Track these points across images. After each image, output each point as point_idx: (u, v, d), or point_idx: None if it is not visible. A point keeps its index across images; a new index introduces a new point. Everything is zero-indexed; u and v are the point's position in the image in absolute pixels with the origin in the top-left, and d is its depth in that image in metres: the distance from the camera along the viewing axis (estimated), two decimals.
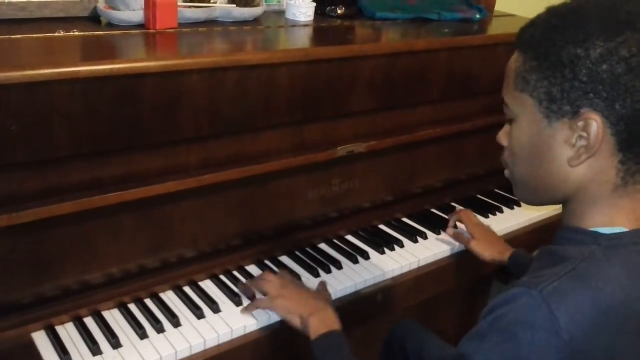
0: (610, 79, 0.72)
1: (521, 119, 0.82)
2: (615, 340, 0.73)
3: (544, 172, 0.81)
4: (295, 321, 1.13)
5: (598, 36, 0.73)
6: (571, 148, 0.77)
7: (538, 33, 0.79)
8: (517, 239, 1.61)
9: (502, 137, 0.89)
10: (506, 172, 0.90)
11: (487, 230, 1.54)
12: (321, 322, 1.09)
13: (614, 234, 0.77)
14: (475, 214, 1.60)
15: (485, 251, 1.46)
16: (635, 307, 0.74)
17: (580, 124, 0.75)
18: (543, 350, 0.70)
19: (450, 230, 1.54)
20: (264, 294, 1.21)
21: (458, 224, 1.58)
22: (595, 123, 0.74)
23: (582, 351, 0.70)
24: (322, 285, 1.27)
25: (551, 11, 0.79)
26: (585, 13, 0.76)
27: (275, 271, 1.34)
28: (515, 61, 0.82)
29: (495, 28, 1.89)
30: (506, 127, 0.88)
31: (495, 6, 2.07)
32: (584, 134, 0.75)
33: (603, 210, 0.79)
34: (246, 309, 1.20)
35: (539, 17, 0.81)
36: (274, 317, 1.21)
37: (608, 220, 0.79)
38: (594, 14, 0.75)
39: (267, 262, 1.38)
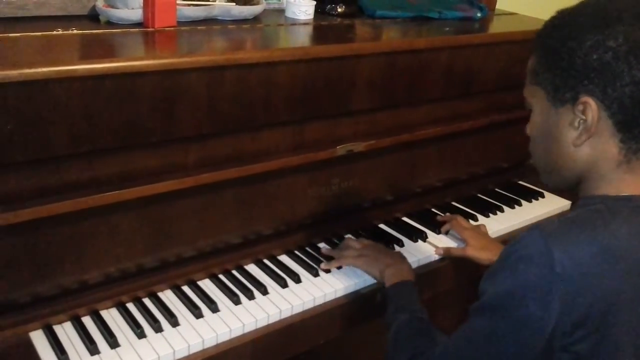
0: (601, 66, 0.83)
1: (535, 108, 0.94)
2: (614, 288, 0.79)
3: (555, 153, 0.91)
4: (375, 273, 1.31)
5: (589, 30, 0.83)
6: (575, 130, 0.87)
7: (544, 32, 0.91)
8: None
9: (527, 128, 0.98)
10: (532, 160, 0.99)
11: (479, 233, 1.54)
12: (396, 274, 1.27)
13: (621, 196, 0.86)
14: (466, 218, 1.59)
15: (482, 255, 1.46)
16: (633, 260, 0.80)
17: (580, 108, 0.86)
18: (539, 282, 0.80)
19: (440, 250, 1.51)
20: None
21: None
22: (590, 107, 0.84)
23: (579, 287, 0.78)
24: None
25: (557, 13, 0.91)
26: (581, 12, 0.87)
27: (273, 270, 1.35)
28: (530, 60, 0.94)
29: (497, 27, 1.89)
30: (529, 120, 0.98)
31: (497, 5, 2.06)
32: (583, 117, 0.86)
33: (611, 183, 0.88)
34: (328, 264, 1.35)
35: (547, 21, 0.92)
36: (272, 317, 1.21)
37: (615, 190, 0.87)
38: (587, 12, 0.86)
39: (266, 261, 1.38)
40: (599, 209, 0.85)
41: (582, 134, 0.87)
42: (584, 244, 0.80)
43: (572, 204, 0.95)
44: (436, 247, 1.50)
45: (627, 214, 0.84)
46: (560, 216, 0.90)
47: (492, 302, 0.87)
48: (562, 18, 0.89)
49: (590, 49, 0.83)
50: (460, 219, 1.57)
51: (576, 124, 0.87)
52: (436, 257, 1.49)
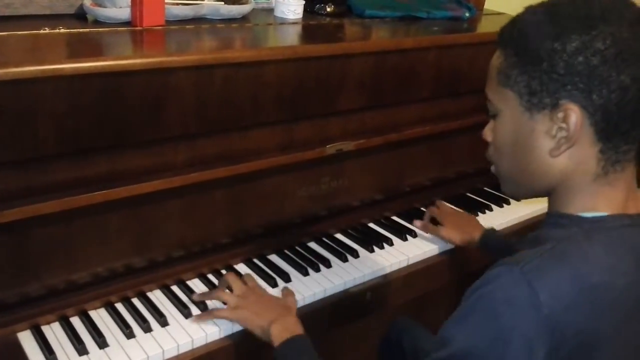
0: (586, 70, 0.75)
1: (504, 113, 0.84)
2: (598, 322, 0.74)
3: (527, 164, 0.83)
4: (257, 331, 1.12)
5: (573, 30, 0.75)
6: (552, 139, 0.79)
7: (517, 30, 0.81)
8: (507, 237, 1.61)
9: (487, 133, 0.90)
10: (492, 168, 0.92)
11: (457, 214, 1.56)
12: (284, 329, 1.08)
13: (596, 217, 0.79)
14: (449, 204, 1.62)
15: (455, 235, 1.49)
16: (615, 290, 0.75)
17: (560, 115, 0.78)
18: (525, 326, 0.71)
19: (418, 222, 1.55)
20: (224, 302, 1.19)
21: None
22: (574, 114, 0.76)
23: (564, 327, 0.71)
24: (287, 290, 1.25)
25: (529, 9, 0.82)
26: (561, 9, 0.78)
27: (264, 270, 1.34)
28: (497, 58, 0.85)
29: (485, 26, 1.89)
30: (490, 124, 0.90)
31: (485, 5, 2.07)
32: (564, 125, 0.78)
33: (585, 197, 0.81)
34: (199, 318, 1.16)
35: (518, 15, 0.83)
36: None
37: (590, 206, 0.80)
38: (570, 10, 0.78)
39: (256, 260, 1.38)
40: (575, 237, 0.77)
41: (561, 143, 0.78)
42: (566, 281, 0.72)
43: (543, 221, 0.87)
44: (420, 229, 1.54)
45: (605, 239, 0.77)
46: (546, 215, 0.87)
47: (466, 351, 0.75)
48: (540, 15, 0.80)
49: (576, 50, 0.75)
50: (441, 203, 1.59)
51: (554, 132, 0.78)
52: (425, 256, 1.50)
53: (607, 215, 0.79)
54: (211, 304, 1.21)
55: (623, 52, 0.74)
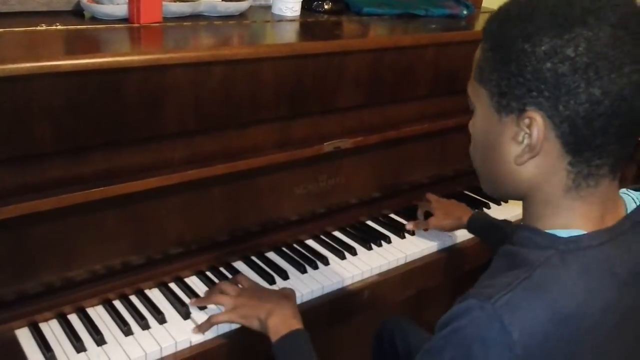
0: (553, 78, 0.68)
1: (478, 110, 0.80)
2: (577, 349, 0.71)
3: (496, 167, 0.79)
4: (255, 326, 1.10)
5: (547, 32, 0.69)
6: (518, 145, 0.74)
7: (496, 23, 0.75)
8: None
9: (469, 127, 0.85)
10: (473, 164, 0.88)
11: (445, 202, 1.56)
12: (281, 323, 1.06)
13: (572, 237, 0.74)
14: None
15: (444, 222, 1.50)
16: (594, 315, 0.71)
17: (526, 121, 0.72)
18: None
19: (409, 225, 1.55)
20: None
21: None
22: (536, 123, 0.71)
23: None
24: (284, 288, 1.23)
25: (513, 1, 0.75)
26: (540, 6, 0.71)
27: (262, 267, 1.34)
28: (478, 50, 0.79)
29: (483, 24, 1.89)
30: (472, 118, 0.85)
31: (483, 2, 2.07)
32: (528, 132, 0.72)
33: (559, 212, 0.76)
34: (201, 327, 1.14)
35: (501, 6, 0.77)
36: None
37: (564, 223, 0.76)
38: (548, 8, 0.70)
39: (253, 258, 1.38)
40: (550, 260, 0.72)
41: (525, 151, 0.73)
42: (540, 314, 0.68)
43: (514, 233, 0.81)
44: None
45: (581, 261, 0.72)
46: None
47: None
48: (519, 9, 0.73)
49: (545, 55, 0.68)
50: (430, 195, 1.60)
51: (520, 138, 0.73)
52: (423, 253, 1.50)
53: (584, 234, 0.74)
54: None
55: (596, 62, 0.67)
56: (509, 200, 1.76)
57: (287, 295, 1.16)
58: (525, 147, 0.73)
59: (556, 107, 0.69)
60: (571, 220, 0.76)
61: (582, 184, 0.74)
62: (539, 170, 0.75)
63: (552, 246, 0.73)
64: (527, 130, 0.72)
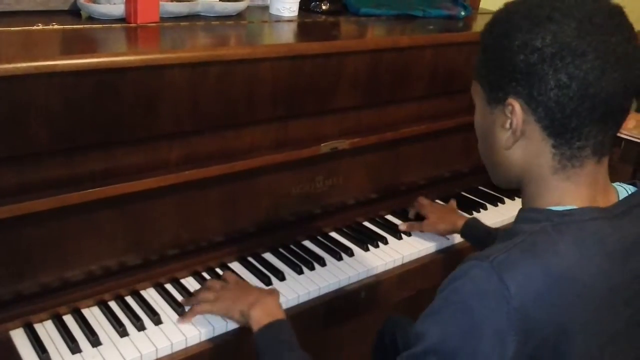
0: (526, 68, 0.78)
1: (477, 104, 0.89)
2: (567, 314, 0.74)
3: (494, 155, 0.87)
4: (237, 317, 1.12)
5: (519, 29, 0.79)
6: (506, 132, 0.83)
7: (488, 27, 0.85)
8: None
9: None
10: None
11: (439, 206, 1.59)
12: (263, 314, 1.08)
13: (566, 210, 0.80)
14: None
15: (438, 226, 1.52)
16: (584, 281, 0.75)
17: (509, 108, 0.81)
18: (495, 318, 0.72)
19: (402, 225, 1.56)
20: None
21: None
22: (514, 109, 0.80)
23: (533, 320, 0.72)
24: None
25: (503, 8, 0.85)
26: (520, 7, 0.81)
27: (258, 268, 1.34)
28: (478, 51, 0.89)
29: (480, 25, 1.89)
30: None
31: (480, 4, 2.07)
32: (511, 119, 0.81)
33: (550, 191, 0.83)
34: (183, 318, 1.15)
35: (493, 13, 0.87)
36: None
37: (557, 200, 0.82)
38: (523, 9, 0.80)
39: (250, 259, 1.37)
40: (545, 229, 0.78)
41: (510, 136, 0.82)
42: (537, 273, 0.73)
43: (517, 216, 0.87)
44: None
45: (574, 232, 0.78)
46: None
47: (440, 345, 0.76)
48: (503, 13, 0.84)
49: (518, 48, 0.78)
50: (420, 199, 1.61)
51: (507, 125, 0.82)
52: (420, 254, 1.50)
53: (577, 208, 0.80)
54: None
55: (562, 51, 0.75)
56: (506, 202, 1.76)
57: (270, 290, 1.19)
58: (510, 132, 0.82)
59: (531, 94, 0.78)
60: (563, 198, 0.82)
61: (568, 164, 0.81)
62: (526, 152, 0.83)
63: (546, 219, 0.80)
64: (510, 117, 0.81)
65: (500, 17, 0.83)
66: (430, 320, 0.78)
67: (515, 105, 0.80)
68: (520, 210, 0.86)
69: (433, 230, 1.53)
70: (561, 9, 0.77)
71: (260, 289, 1.19)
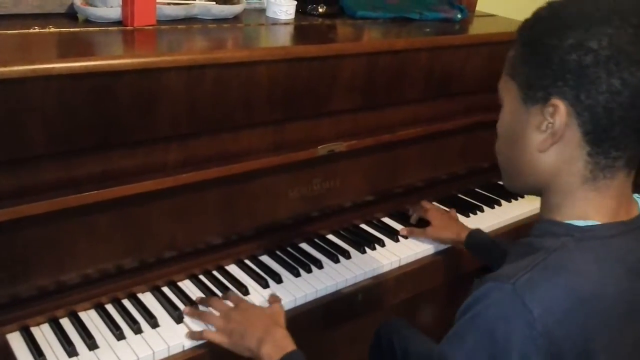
0: (578, 69, 0.75)
1: (506, 103, 0.86)
2: (590, 334, 0.74)
3: (518, 156, 0.84)
4: (247, 355, 1.09)
5: (573, 28, 0.76)
6: (541, 134, 0.80)
7: (530, 23, 0.83)
8: (494, 237, 1.61)
9: (498, 125, 0.91)
10: (498, 161, 0.92)
11: (443, 213, 1.57)
12: (273, 349, 1.05)
13: (588, 226, 0.79)
14: (437, 204, 1.62)
15: (443, 234, 1.50)
16: (606, 299, 0.75)
17: (550, 109, 0.78)
18: (520, 343, 0.71)
19: (403, 230, 1.55)
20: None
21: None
22: (559, 110, 0.77)
23: (558, 341, 0.72)
24: (273, 297, 1.24)
25: (546, 4, 0.83)
26: (568, 7, 0.79)
27: (255, 271, 1.34)
28: (511, 48, 0.86)
29: (477, 28, 1.90)
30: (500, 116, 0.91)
31: (477, 6, 2.08)
32: (551, 121, 0.78)
33: (575, 203, 0.81)
34: (193, 335, 1.14)
35: (535, 11, 0.84)
36: None
37: (581, 214, 0.80)
38: (575, 8, 0.78)
39: (247, 261, 1.37)
40: (566, 246, 0.77)
41: (547, 138, 0.79)
42: (559, 293, 0.73)
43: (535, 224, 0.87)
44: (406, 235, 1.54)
45: (596, 249, 0.77)
46: (537, 216, 0.87)
47: None
48: (548, 10, 0.81)
49: (570, 47, 0.75)
50: (425, 203, 1.60)
51: (544, 127, 0.79)
52: (417, 257, 1.50)
53: (599, 224, 0.79)
54: (201, 305, 1.21)
55: (617, 55, 0.73)
56: (503, 205, 1.77)
57: (275, 319, 1.14)
58: (548, 134, 0.79)
59: (578, 96, 0.76)
60: (587, 212, 0.80)
61: (599, 175, 0.79)
62: (559, 158, 0.80)
63: (568, 234, 0.79)
64: (551, 120, 0.78)
65: (544, 14, 0.81)
66: (455, 344, 0.77)
67: (560, 106, 0.77)
68: (540, 222, 0.85)
69: (436, 238, 1.51)
70: (619, 12, 0.75)
71: (264, 319, 1.13)
